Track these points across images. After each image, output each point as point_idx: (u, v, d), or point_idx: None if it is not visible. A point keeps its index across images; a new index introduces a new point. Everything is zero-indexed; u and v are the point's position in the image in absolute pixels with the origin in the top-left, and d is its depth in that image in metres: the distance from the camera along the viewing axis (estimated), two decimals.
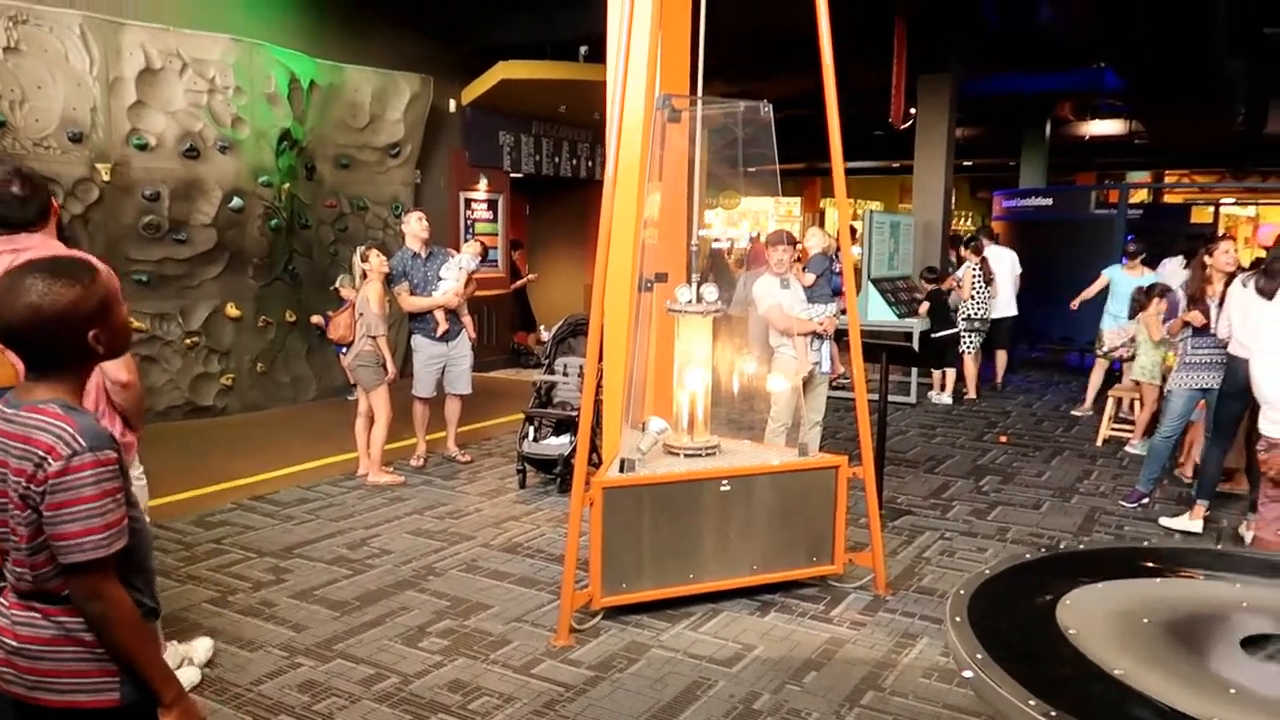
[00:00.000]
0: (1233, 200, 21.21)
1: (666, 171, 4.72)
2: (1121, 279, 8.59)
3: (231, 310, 8.03)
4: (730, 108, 4.63)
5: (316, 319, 8.27)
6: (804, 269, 6.18)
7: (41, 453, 1.61)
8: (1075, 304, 9.06)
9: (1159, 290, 6.97)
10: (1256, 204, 21.85)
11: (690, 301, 4.31)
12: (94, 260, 2.66)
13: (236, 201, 7.71)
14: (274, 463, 6.42)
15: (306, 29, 8.77)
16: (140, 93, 7.23)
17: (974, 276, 9.29)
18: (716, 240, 5.04)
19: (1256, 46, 11.39)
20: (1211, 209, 15.02)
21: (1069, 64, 12.25)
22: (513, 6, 9.91)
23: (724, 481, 4.09)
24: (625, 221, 4.32)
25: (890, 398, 7.04)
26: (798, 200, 26.05)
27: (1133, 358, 7.79)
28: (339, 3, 9.01)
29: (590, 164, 12.27)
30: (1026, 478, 6.52)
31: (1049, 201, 12.21)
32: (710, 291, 4.35)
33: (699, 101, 4.61)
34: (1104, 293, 8.73)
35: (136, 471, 3.22)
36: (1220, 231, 14.83)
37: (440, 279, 6.40)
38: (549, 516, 5.41)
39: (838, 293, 6.21)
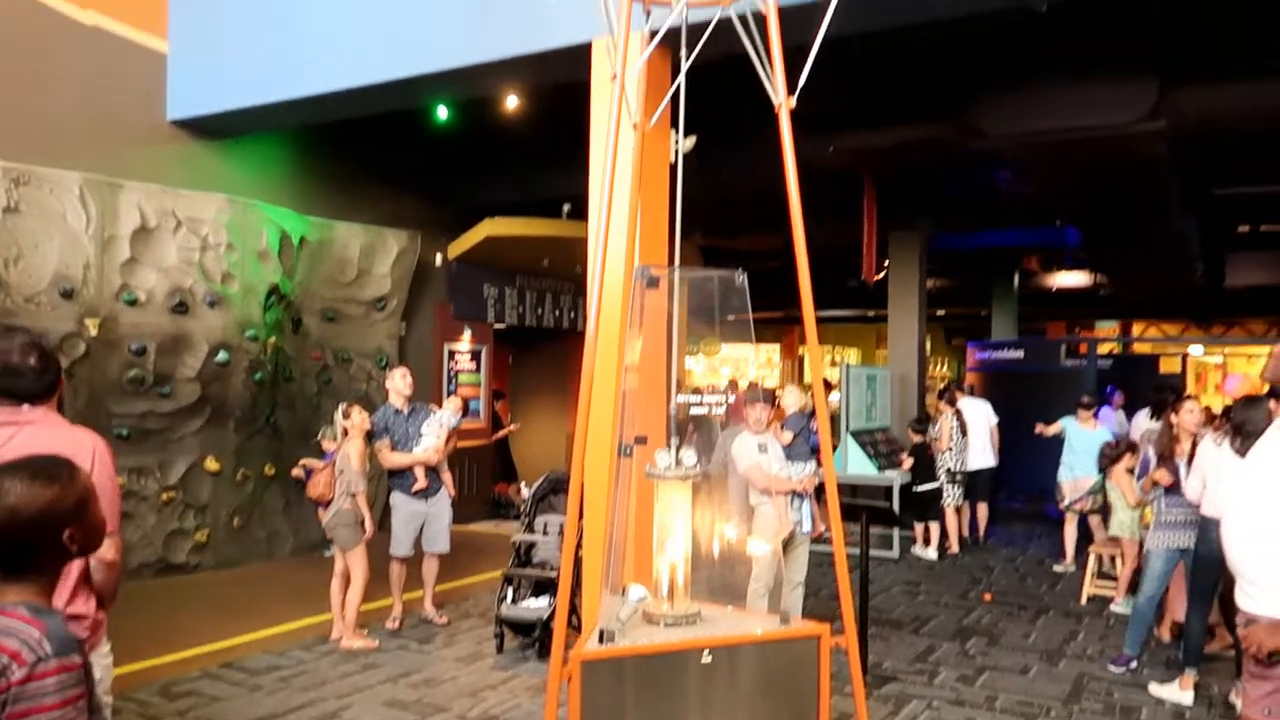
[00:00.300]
0: (1200, 349, 21.78)
1: (646, 331, 4.84)
2: (1075, 431, 8.80)
3: (211, 464, 7.98)
4: (706, 276, 4.81)
5: (297, 471, 8.20)
6: (781, 427, 6.26)
7: (6, 659, 1.59)
8: (1037, 430, 9.37)
9: (1125, 446, 7.09)
10: (1223, 354, 22.41)
11: (669, 466, 4.34)
12: (86, 436, 2.69)
13: (222, 355, 7.79)
14: (245, 625, 6.24)
15: (299, 187, 9.08)
16: (134, 250, 7.40)
17: (951, 428, 9.42)
18: (697, 404, 5.11)
19: (1208, 206, 11.99)
20: (1179, 358, 15.42)
21: (1030, 222, 12.82)
22: (499, 167, 10.34)
23: (705, 652, 4.01)
24: (605, 383, 4.40)
25: (872, 552, 7.01)
26: (777, 347, 26.51)
27: (1095, 510, 7.87)
28: (331, 162, 9.36)
29: (573, 315, 12.53)
30: (1013, 639, 6.42)
31: (1020, 354, 12.53)
32: (689, 456, 4.38)
33: (677, 271, 4.76)
34: (1062, 444, 8.93)
35: (104, 649, 3.13)
36: (1190, 379, 15.17)
37: (422, 435, 6.43)
38: (527, 685, 5.26)
39: (816, 450, 6.27)
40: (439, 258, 10.60)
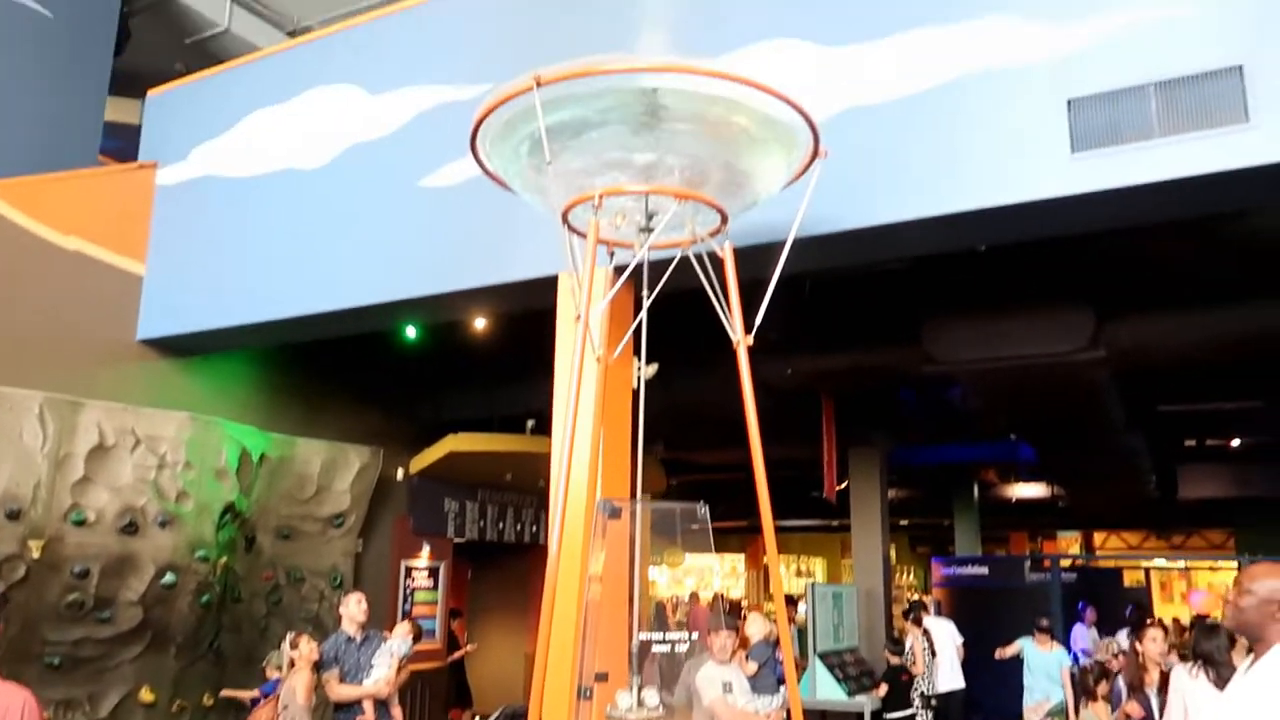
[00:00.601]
0: (1163, 558, 21.85)
1: (609, 555, 4.79)
2: (1033, 653, 8.71)
3: (145, 694, 7.52)
4: (669, 509, 4.82)
5: (242, 697, 7.71)
6: (746, 657, 6.09)
7: None
8: (996, 654, 9.18)
9: (1098, 673, 6.98)
10: (1186, 565, 22.50)
11: (630, 708, 4.18)
12: (17, 695, 2.56)
13: (169, 577, 7.52)
14: None
15: (263, 403, 9.09)
16: (88, 469, 7.27)
17: (922, 649, 9.21)
18: (660, 641, 5.01)
19: (1154, 423, 12.40)
20: (1143, 572, 15.44)
21: (986, 437, 13.13)
22: (463, 383, 10.51)
23: None
24: (566, 615, 4.31)
25: None
26: (741, 557, 26.17)
27: None
28: (296, 379, 9.41)
29: (534, 529, 12.36)
30: None
31: (985, 570, 12.50)
32: (651, 696, 4.23)
33: (639, 504, 4.78)
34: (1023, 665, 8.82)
35: None
36: (1155, 589, 15.12)
37: (373, 665, 6.15)
38: None
39: (783, 680, 6.08)
40: (400, 472, 10.53)
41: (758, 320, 4.45)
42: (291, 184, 7.29)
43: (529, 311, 6.76)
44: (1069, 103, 4.42)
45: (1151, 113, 4.17)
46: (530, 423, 10.87)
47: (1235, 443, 14.35)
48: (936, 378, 8.64)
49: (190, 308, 7.85)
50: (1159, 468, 14.39)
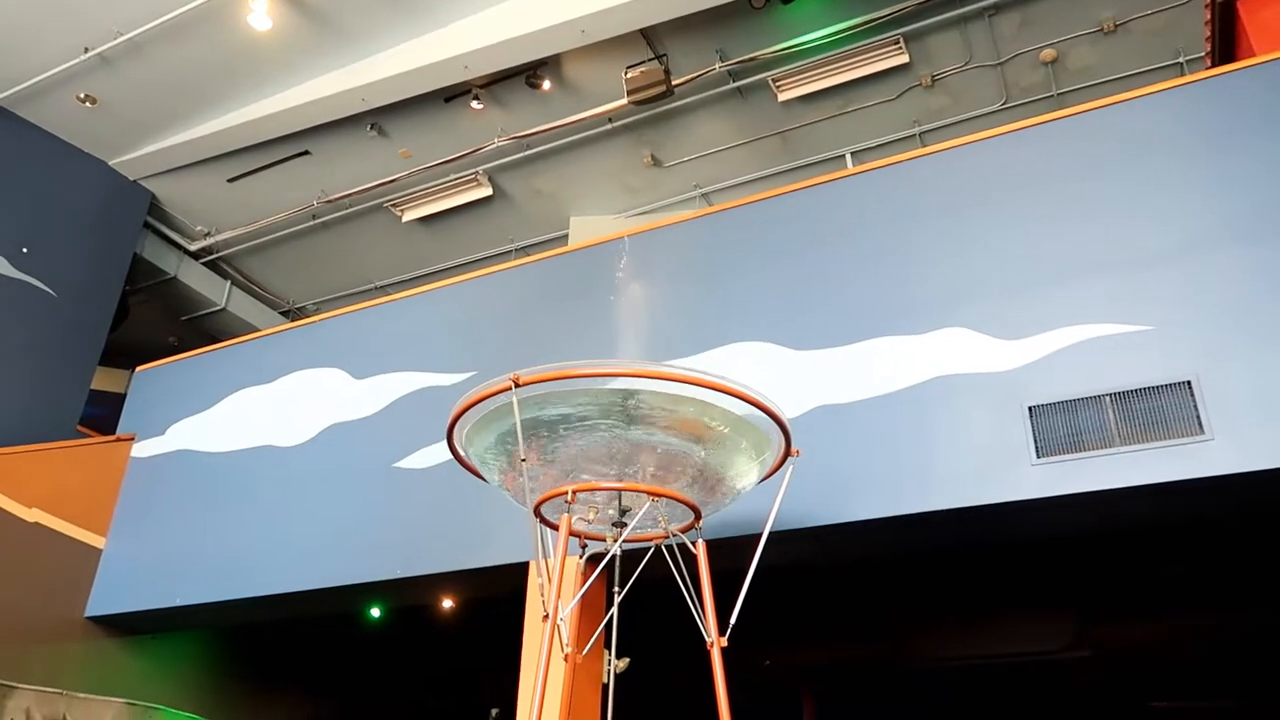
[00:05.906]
0: None
1: None
2: None
3: None
4: None
5: None
6: None
7: None
8: None
9: None
10: None
11: None
12: None
13: None
14: None
15: (207, 687, 8.52)
16: None
17: None
18: None
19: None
20: None
21: None
22: (422, 669, 9.97)
23: None
24: None
25: None
26: None
27: None
28: (243, 660, 8.89)
29: None
30: None
31: None
32: None
33: None
34: None
35: None
36: None
37: None
38: None
39: None
40: None
41: (732, 620, 4.30)
42: (266, 461, 7.28)
43: (496, 596, 6.54)
44: (1029, 409, 4.57)
45: (1110, 422, 4.31)
46: (495, 711, 10.22)
47: None
48: (922, 676, 8.31)
49: (148, 583, 7.54)
50: None
